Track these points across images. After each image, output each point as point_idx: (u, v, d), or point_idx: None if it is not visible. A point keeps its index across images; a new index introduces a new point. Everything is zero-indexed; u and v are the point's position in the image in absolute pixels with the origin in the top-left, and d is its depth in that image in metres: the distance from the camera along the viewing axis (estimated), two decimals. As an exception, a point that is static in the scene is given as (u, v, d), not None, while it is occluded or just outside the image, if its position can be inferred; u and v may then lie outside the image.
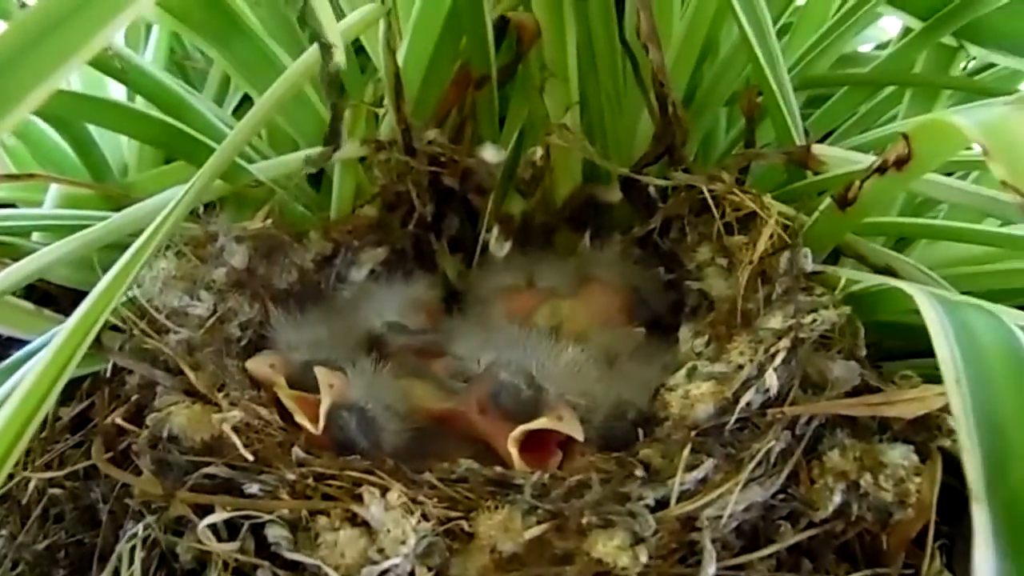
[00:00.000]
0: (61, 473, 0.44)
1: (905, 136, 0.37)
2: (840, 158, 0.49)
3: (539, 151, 0.56)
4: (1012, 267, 0.50)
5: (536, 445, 0.42)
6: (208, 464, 0.40)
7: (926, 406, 0.40)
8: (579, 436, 0.41)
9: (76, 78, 0.60)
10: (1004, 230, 0.49)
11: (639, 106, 0.55)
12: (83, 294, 0.53)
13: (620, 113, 0.56)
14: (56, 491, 0.44)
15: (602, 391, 0.45)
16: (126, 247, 0.40)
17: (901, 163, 0.38)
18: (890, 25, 0.81)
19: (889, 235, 0.53)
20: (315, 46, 0.48)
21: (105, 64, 0.48)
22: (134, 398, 0.43)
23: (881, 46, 0.76)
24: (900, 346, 0.49)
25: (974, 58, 0.57)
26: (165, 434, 0.41)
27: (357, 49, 0.60)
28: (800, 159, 0.50)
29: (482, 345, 0.48)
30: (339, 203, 0.55)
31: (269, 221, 0.50)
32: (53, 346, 0.35)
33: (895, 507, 0.39)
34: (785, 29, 0.61)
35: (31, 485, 0.45)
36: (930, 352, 0.47)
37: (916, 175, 0.39)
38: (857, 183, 0.42)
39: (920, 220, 0.51)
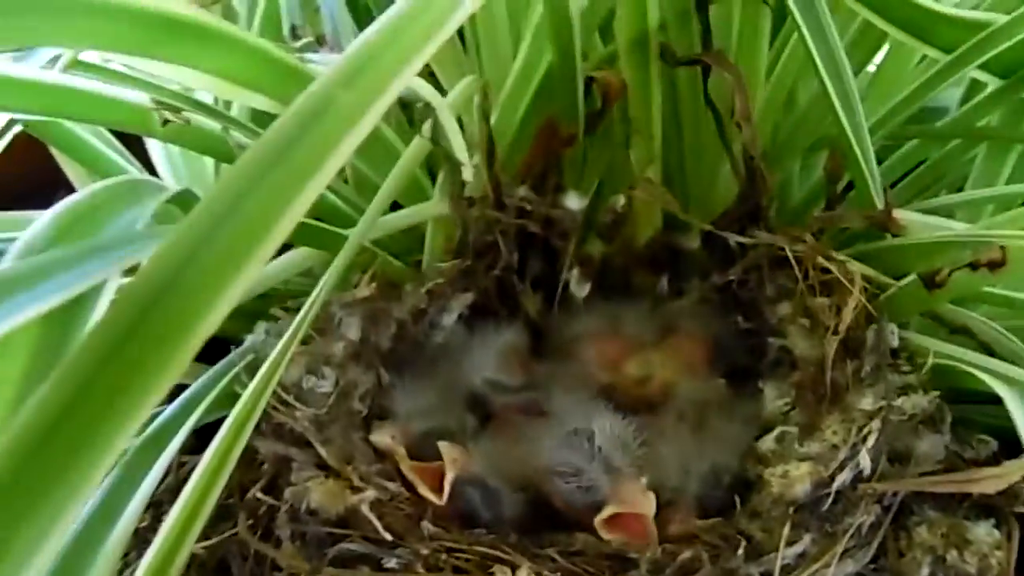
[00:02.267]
0: (202, 546, 0.47)
1: (1003, 249, 0.39)
2: (920, 223, 0.51)
3: (621, 199, 0.58)
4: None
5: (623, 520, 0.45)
6: (346, 537, 0.43)
7: (1009, 480, 0.43)
8: (650, 511, 0.44)
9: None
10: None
11: (720, 159, 0.57)
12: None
13: (701, 166, 0.57)
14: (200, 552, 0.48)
15: (697, 454, 0.49)
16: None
17: (994, 266, 0.41)
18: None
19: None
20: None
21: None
22: (268, 471, 0.47)
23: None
24: (979, 416, 0.52)
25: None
26: (303, 507, 0.44)
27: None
28: (881, 223, 0.52)
29: (576, 407, 0.51)
30: (431, 255, 0.58)
31: (374, 285, 0.53)
32: (227, 426, 0.38)
33: (977, 578, 0.43)
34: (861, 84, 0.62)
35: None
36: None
37: (1009, 281, 0.41)
38: (946, 271, 0.44)
39: (993, 290, 0.53)
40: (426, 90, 0.46)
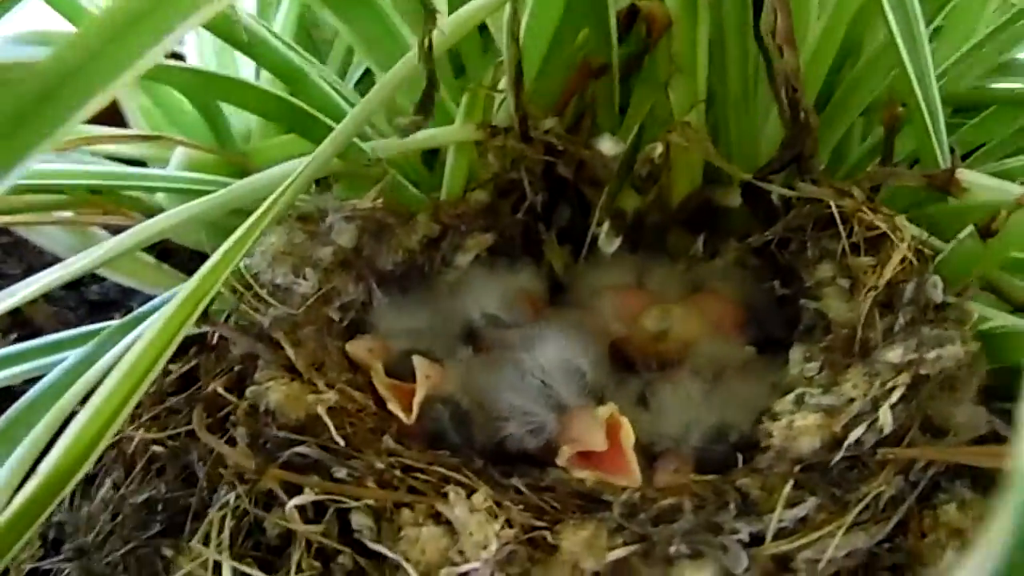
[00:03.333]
0: (164, 435, 0.45)
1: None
2: (987, 186, 0.45)
3: (659, 148, 0.54)
4: None
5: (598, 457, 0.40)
6: (300, 443, 0.40)
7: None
8: (601, 446, 0.39)
9: (208, 49, 0.61)
10: None
11: (768, 109, 0.53)
12: (199, 252, 0.55)
13: (747, 114, 0.53)
14: (159, 448, 0.46)
15: (704, 409, 0.43)
16: (246, 213, 0.41)
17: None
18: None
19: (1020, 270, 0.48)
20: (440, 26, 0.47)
21: (232, 36, 0.49)
22: (236, 368, 0.44)
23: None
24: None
25: None
26: (262, 408, 0.41)
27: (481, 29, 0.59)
28: (942, 183, 0.46)
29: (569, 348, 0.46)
30: (450, 186, 0.55)
31: (380, 201, 0.50)
32: (168, 308, 0.36)
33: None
34: (933, 34, 0.56)
35: (136, 439, 0.47)
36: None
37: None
38: (1004, 212, 0.38)
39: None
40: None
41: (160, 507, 0.46)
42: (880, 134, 0.53)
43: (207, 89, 0.51)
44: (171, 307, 0.36)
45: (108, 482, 0.47)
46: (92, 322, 0.51)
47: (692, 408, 0.44)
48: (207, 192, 0.47)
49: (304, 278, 0.45)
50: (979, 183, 0.45)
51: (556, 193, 0.57)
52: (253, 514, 0.40)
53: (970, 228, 0.42)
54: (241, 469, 0.40)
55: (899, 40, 0.45)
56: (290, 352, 0.43)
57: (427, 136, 0.53)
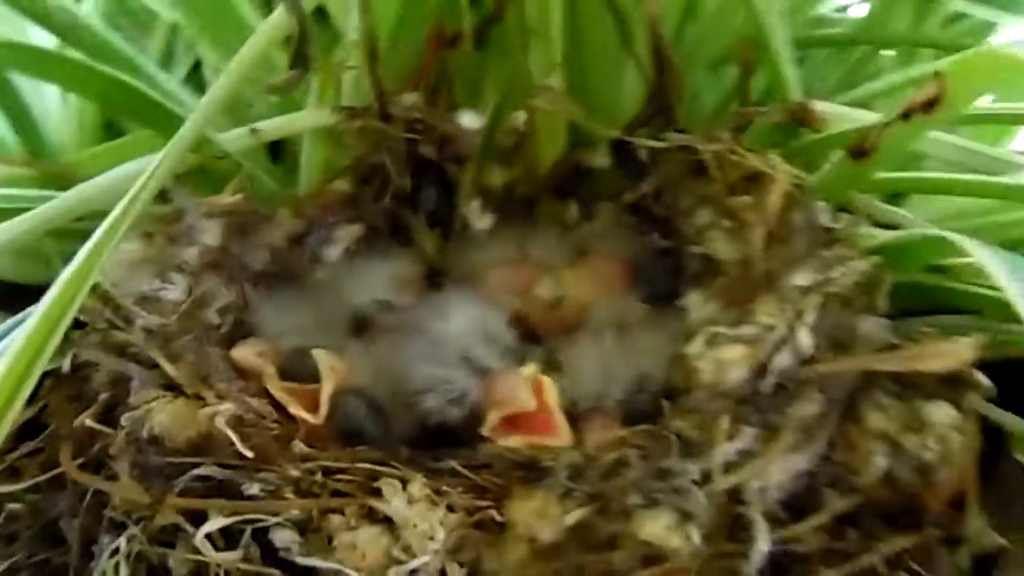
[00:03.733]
0: (19, 487, 0.38)
1: (938, 74, 0.35)
2: (840, 114, 0.48)
3: (521, 116, 0.53)
4: (1011, 218, 0.49)
5: (528, 416, 0.38)
6: (198, 465, 0.35)
7: (961, 357, 0.38)
8: (529, 404, 0.38)
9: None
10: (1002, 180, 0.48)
11: (625, 66, 0.53)
12: (28, 288, 0.48)
13: (606, 73, 0.53)
14: (14, 506, 0.39)
15: (618, 364, 0.43)
16: (78, 234, 0.36)
17: (930, 105, 0.37)
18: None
19: (880, 192, 0.51)
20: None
21: (41, 16, 0.42)
22: (103, 397, 0.38)
23: (840, 9, 0.75)
24: (906, 307, 0.48)
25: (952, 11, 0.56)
26: (145, 434, 0.36)
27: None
28: (801, 116, 0.48)
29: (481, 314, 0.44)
30: (309, 177, 0.51)
31: (240, 196, 0.45)
32: (16, 344, 0.30)
33: (938, 467, 0.38)
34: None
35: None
36: (946, 310, 0.46)
37: (944, 119, 0.37)
38: (876, 131, 0.40)
39: (920, 174, 0.49)
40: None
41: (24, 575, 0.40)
42: (727, 83, 0.54)
43: (36, 64, 0.43)
44: (21, 337, 0.31)
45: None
46: None
47: (606, 364, 0.43)
48: (25, 210, 0.41)
49: (171, 283, 0.40)
50: (835, 113, 0.47)
51: (420, 175, 0.55)
52: (154, 555, 0.35)
53: (839, 153, 0.43)
54: (131, 506, 0.35)
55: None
56: (167, 366, 0.38)
57: (281, 124, 0.49)
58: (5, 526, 0.40)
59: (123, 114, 0.48)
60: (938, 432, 0.37)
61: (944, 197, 0.53)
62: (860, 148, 0.42)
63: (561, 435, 0.37)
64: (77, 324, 0.39)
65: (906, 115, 0.38)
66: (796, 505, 0.37)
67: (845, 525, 0.37)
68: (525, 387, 0.37)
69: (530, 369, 0.38)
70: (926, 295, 0.48)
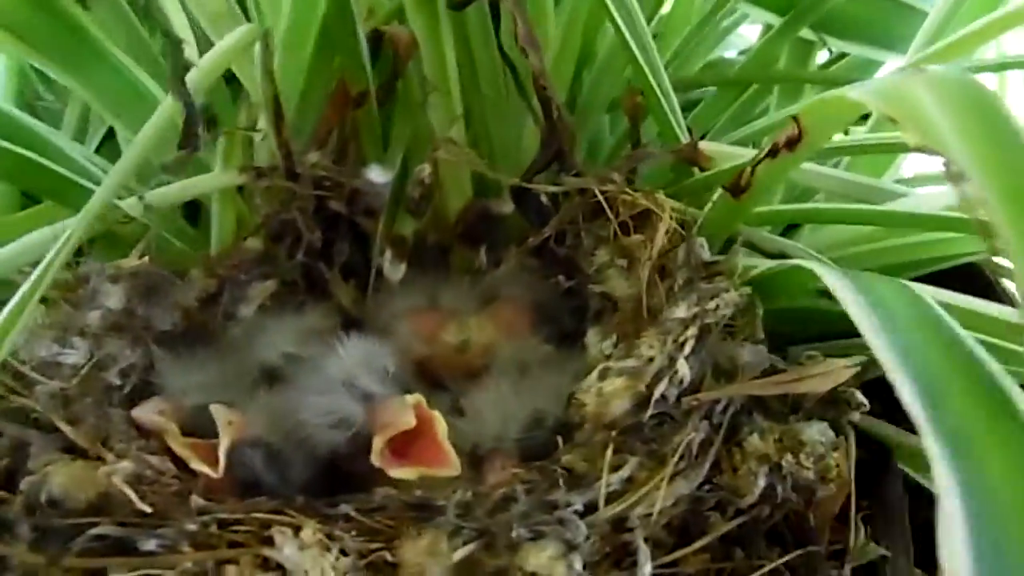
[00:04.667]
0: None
1: (795, 118, 0.38)
2: (725, 153, 0.50)
3: (427, 168, 0.55)
4: (896, 243, 0.52)
5: (417, 448, 0.40)
6: (96, 524, 0.36)
7: (836, 379, 0.40)
8: (410, 423, 0.39)
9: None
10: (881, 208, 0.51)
11: (523, 115, 0.55)
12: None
13: (505, 123, 0.55)
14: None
15: (516, 404, 0.44)
16: None
17: (792, 143, 0.39)
18: (751, 32, 0.85)
19: (775, 224, 0.54)
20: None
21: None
22: (3, 463, 0.39)
23: (743, 52, 0.78)
24: (797, 332, 0.50)
25: (830, 49, 0.59)
26: (44, 497, 0.37)
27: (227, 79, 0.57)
28: (688, 156, 0.51)
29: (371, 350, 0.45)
30: (220, 236, 0.52)
31: (146, 259, 0.47)
32: None
33: (817, 484, 0.39)
34: (656, 29, 0.62)
35: None
36: (827, 336, 0.48)
37: (807, 154, 0.40)
38: (749, 169, 0.42)
39: (806, 205, 0.52)
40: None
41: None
42: (626, 126, 0.57)
43: None
44: None
45: None
46: None
47: (505, 405, 0.44)
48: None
49: (72, 347, 0.41)
50: (720, 151, 0.50)
51: (331, 229, 0.56)
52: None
53: (720, 191, 0.45)
54: (29, 568, 0.36)
55: (628, 38, 0.49)
56: (65, 428, 0.38)
57: (187, 185, 0.51)
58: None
59: (33, 190, 0.49)
60: (815, 451, 0.39)
61: (834, 226, 0.56)
62: (736, 185, 0.44)
63: (450, 465, 0.38)
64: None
65: (773, 153, 0.41)
66: (682, 529, 0.38)
67: (731, 546, 0.39)
68: (407, 410, 0.39)
69: (415, 398, 0.40)
70: (817, 320, 0.50)
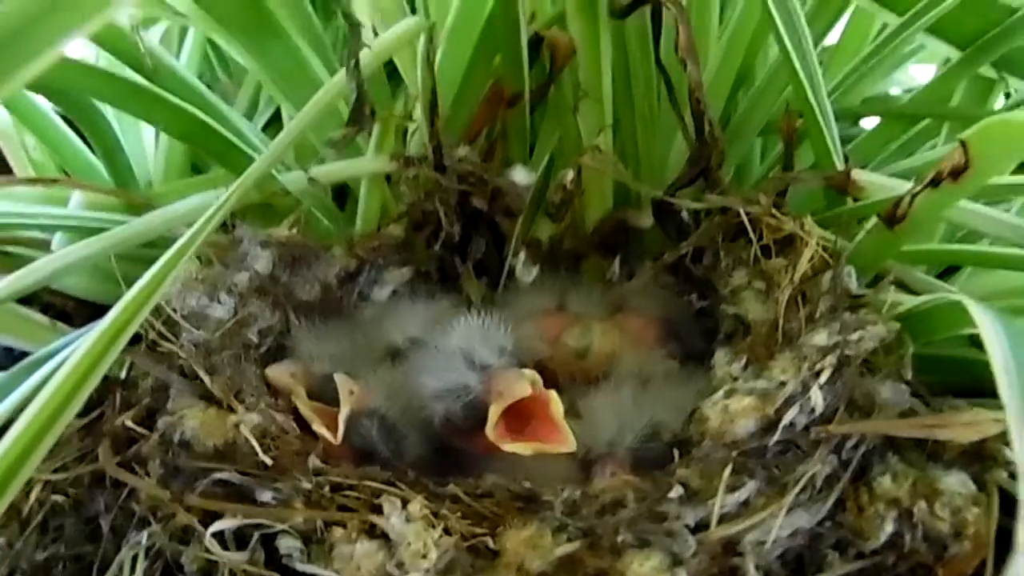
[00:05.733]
0: (64, 476, 0.41)
1: (963, 143, 0.36)
2: (880, 184, 0.48)
3: (570, 174, 0.55)
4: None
5: (532, 426, 0.40)
6: (220, 470, 0.38)
7: (982, 431, 0.37)
8: (524, 392, 0.39)
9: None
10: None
11: (673, 129, 0.54)
12: (100, 308, 0.52)
13: (654, 136, 0.55)
14: (58, 498, 0.42)
15: (635, 412, 0.43)
16: (146, 260, 0.39)
17: (957, 173, 0.37)
18: (920, 74, 0.82)
19: (932, 264, 0.51)
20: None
21: (136, 63, 0.47)
22: (145, 402, 0.41)
23: (909, 91, 0.75)
24: (942, 381, 0.47)
25: (1012, 91, 0.56)
26: (176, 438, 0.39)
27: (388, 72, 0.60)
28: (840, 184, 0.48)
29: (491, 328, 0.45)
30: (365, 219, 0.54)
31: (295, 231, 0.49)
32: (83, 347, 0.33)
33: (951, 539, 0.36)
34: (821, 58, 0.60)
35: (33, 494, 0.43)
36: (977, 392, 0.45)
37: (973, 187, 0.37)
38: (907, 199, 0.40)
39: (967, 247, 0.49)
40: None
41: (61, 565, 0.42)
42: (777, 153, 0.55)
43: (108, 94, 0.48)
44: (90, 339, 0.34)
45: (1, 540, 0.43)
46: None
47: (622, 412, 0.43)
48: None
49: (219, 302, 0.43)
50: (873, 182, 0.48)
51: (470, 225, 0.57)
52: (170, 551, 0.37)
53: (874, 220, 0.43)
54: (155, 502, 0.38)
55: (793, 56, 0.48)
56: (205, 378, 0.40)
57: (341, 167, 0.53)
58: (48, 518, 0.43)
59: (201, 150, 0.53)
60: (952, 503, 0.36)
61: (997, 272, 0.52)
62: (892, 215, 0.42)
63: (566, 442, 0.38)
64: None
65: (935, 183, 0.39)
66: (797, 563, 0.36)
67: (849, 590, 0.36)
68: (523, 381, 0.39)
69: (532, 373, 0.40)
70: (965, 371, 0.46)
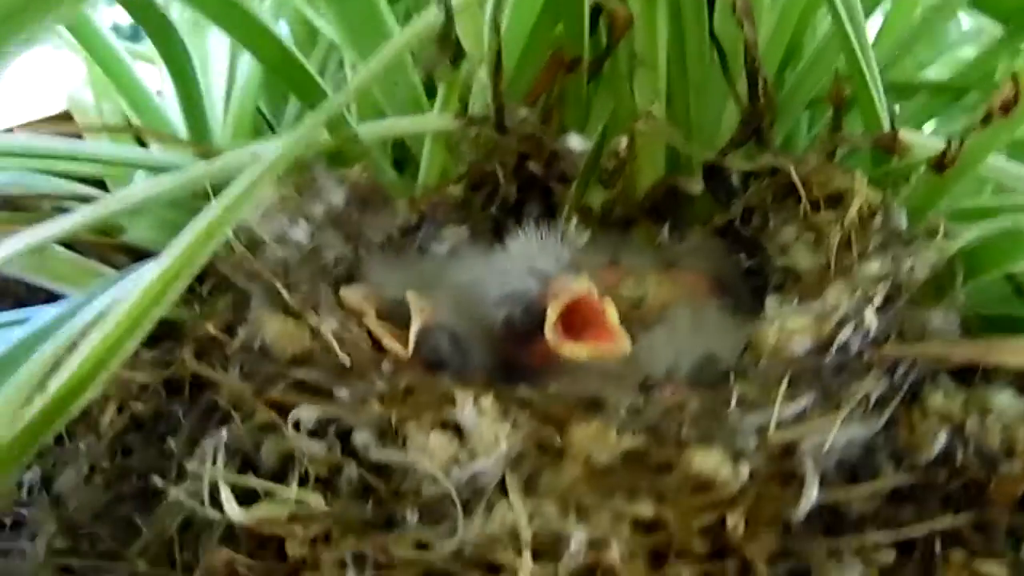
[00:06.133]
0: (143, 378, 0.43)
1: (1014, 76, 0.38)
2: (927, 145, 0.50)
3: (624, 141, 0.57)
4: None
5: (588, 332, 0.42)
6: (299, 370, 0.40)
7: (1032, 356, 0.39)
8: (582, 291, 0.42)
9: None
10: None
11: (724, 98, 0.57)
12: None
13: (706, 104, 0.57)
14: (139, 405, 0.44)
15: (691, 342, 0.45)
16: None
17: (1008, 108, 0.39)
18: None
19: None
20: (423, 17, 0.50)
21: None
22: (227, 315, 0.44)
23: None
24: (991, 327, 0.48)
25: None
26: (257, 343, 0.41)
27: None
28: (887, 144, 0.50)
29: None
30: (427, 175, 0.57)
31: (365, 175, 0.51)
32: (175, 249, 0.36)
33: (1002, 457, 0.38)
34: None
35: (110, 405, 0.45)
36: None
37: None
38: (956, 142, 0.42)
39: (1008, 200, 0.50)
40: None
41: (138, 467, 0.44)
42: (824, 124, 0.57)
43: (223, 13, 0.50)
44: (177, 248, 0.36)
45: (83, 447, 0.45)
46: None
47: (679, 342, 0.45)
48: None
49: (298, 227, 0.45)
50: (920, 142, 0.50)
51: (526, 188, 0.60)
52: (249, 442, 0.39)
53: (922, 167, 0.45)
54: (236, 399, 0.40)
55: (846, 23, 0.50)
56: (283, 292, 0.43)
57: (408, 123, 0.55)
58: (125, 431, 0.45)
59: (282, 78, 0.54)
60: (1004, 418, 0.38)
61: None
62: (941, 160, 0.44)
63: (621, 343, 0.40)
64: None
65: (986, 120, 0.41)
66: (851, 471, 0.37)
67: (903, 503, 0.38)
68: (580, 281, 0.41)
69: (587, 280, 0.42)
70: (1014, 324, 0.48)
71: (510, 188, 0.58)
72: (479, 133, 0.56)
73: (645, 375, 0.44)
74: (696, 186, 0.58)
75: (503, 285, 0.43)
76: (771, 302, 0.48)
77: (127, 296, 0.35)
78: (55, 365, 0.34)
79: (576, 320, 0.41)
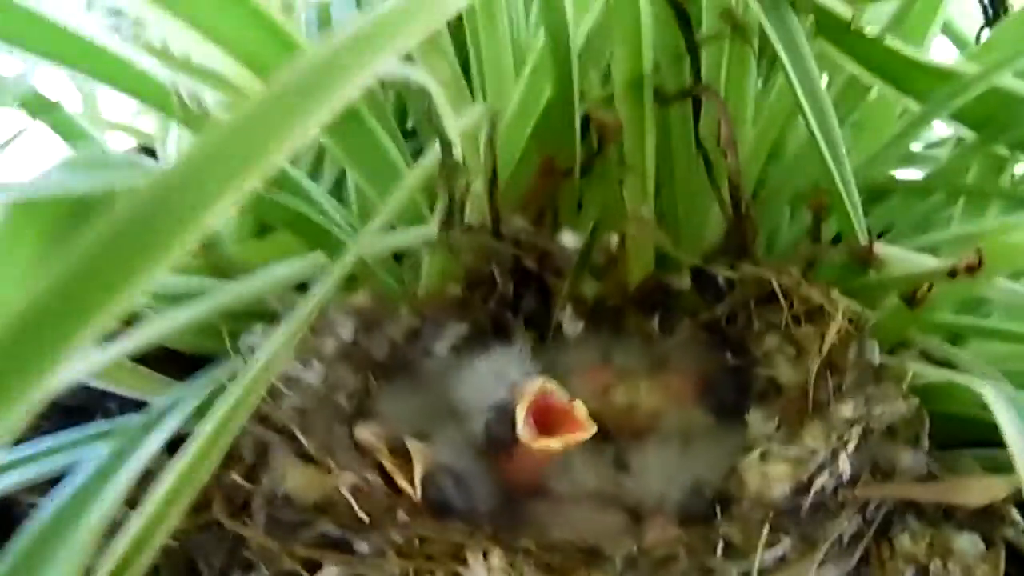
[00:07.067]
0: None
1: (978, 249, 0.41)
2: (900, 258, 0.53)
3: (615, 238, 0.60)
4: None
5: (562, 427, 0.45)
6: (319, 523, 0.43)
7: (993, 495, 0.43)
8: (544, 387, 0.46)
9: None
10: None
11: (710, 202, 0.60)
12: (200, 360, 0.57)
13: (692, 207, 0.60)
14: (171, 543, 0.47)
15: (680, 468, 0.48)
16: (244, 315, 0.45)
17: (972, 270, 0.42)
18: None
19: (945, 333, 0.56)
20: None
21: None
22: (248, 460, 0.47)
23: (931, 145, 0.79)
24: (957, 436, 0.52)
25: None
26: (279, 493, 0.44)
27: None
28: (863, 257, 0.53)
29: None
30: (428, 280, 0.60)
31: (370, 295, 0.54)
32: (220, 411, 0.38)
33: (963, 595, 0.42)
34: (849, 130, 0.65)
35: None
36: (988, 443, 0.50)
37: (984, 282, 0.42)
38: (926, 286, 0.45)
39: (978, 322, 0.54)
40: (424, 80, 0.48)
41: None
42: (805, 220, 0.60)
43: None
44: (223, 409, 0.39)
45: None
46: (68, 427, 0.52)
47: (669, 468, 0.49)
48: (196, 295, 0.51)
49: (311, 369, 0.48)
50: (896, 256, 0.53)
51: (522, 283, 0.63)
52: (277, 594, 0.42)
53: (895, 299, 0.48)
54: (263, 551, 0.43)
55: (820, 140, 0.53)
56: (302, 439, 0.46)
57: (408, 236, 0.58)
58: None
59: (275, 224, 0.57)
60: (964, 560, 0.42)
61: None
62: (913, 297, 0.47)
63: (587, 427, 0.44)
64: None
65: (952, 274, 0.44)
66: (827, 613, 0.41)
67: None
68: (539, 382, 0.45)
69: (543, 380, 0.46)
70: (980, 429, 0.51)
71: (507, 284, 0.61)
72: (478, 240, 0.59)
73: (638, 503, 0.47)
74: (684, 283, 0.61)
75: (477, 396, 0.48)
76: (754, 416, 0.52)
77: (165, 477, 0.38)
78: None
79: (548, 420, 0.45)
